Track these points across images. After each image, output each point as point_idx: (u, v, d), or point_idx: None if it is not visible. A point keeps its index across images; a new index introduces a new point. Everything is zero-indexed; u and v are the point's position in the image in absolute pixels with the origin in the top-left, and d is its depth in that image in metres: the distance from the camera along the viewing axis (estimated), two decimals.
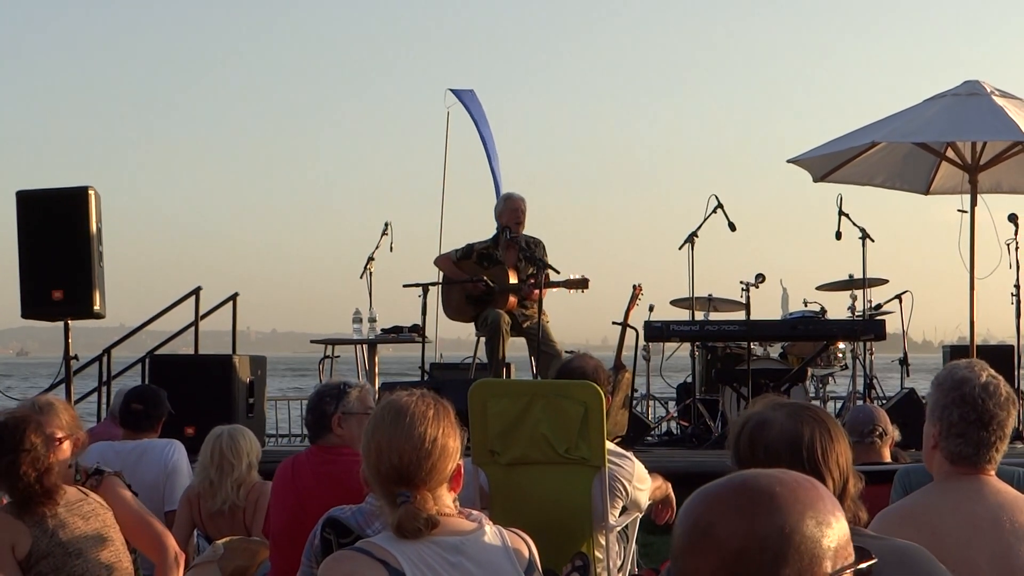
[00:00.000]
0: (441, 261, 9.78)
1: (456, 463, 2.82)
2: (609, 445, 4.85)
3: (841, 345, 10.57)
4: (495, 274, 9.38)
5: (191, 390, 8.74)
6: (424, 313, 9.58)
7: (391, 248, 10.28)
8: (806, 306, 10.89)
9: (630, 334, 9.64)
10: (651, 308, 10.95)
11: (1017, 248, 9.82)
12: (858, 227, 10.23)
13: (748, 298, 9.84)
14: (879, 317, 10.47)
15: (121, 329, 12.58)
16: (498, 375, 9.05)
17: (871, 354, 10.61)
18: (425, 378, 9.62)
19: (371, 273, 10.17)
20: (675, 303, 11.54)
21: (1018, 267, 9.82)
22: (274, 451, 9.36)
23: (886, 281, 11.04)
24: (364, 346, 10.05)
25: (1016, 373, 9.96)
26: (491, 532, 2.79)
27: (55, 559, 3.96)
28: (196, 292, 10.74)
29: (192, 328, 10.75)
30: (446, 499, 2.78)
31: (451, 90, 13.50)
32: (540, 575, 2.87)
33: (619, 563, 4.96)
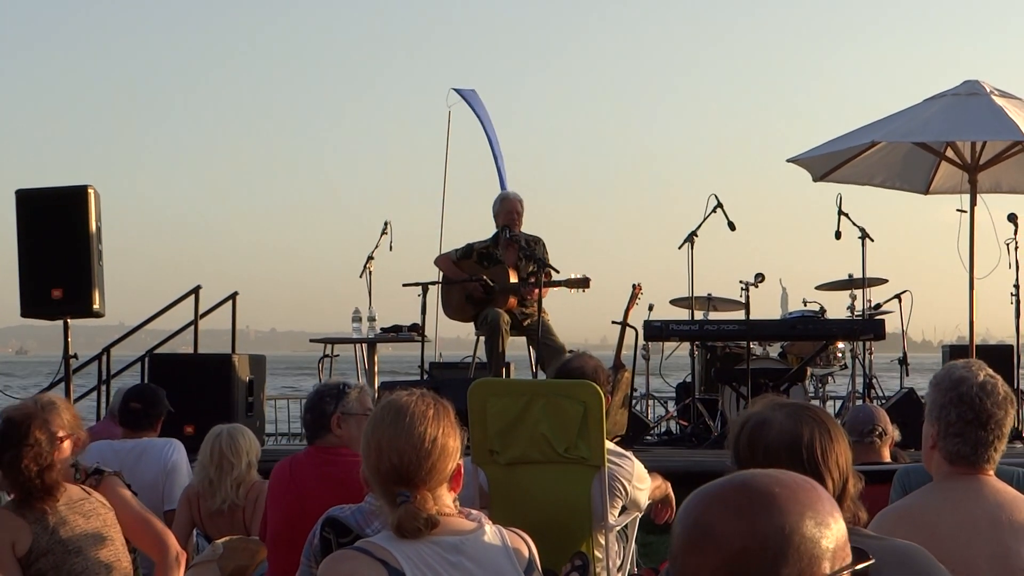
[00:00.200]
0: (441, 261, 9.78)
1: (456, 463, 2.82)
2: (609, 444, 4.85)
3: (840, 345, 10.57)
4: (495, 273, 9.38)
5: (190, 389, 8.74)
6: (424, 312, 9.59)
7: (391, 247, 10.29)
8: (805, 306, 10.89)
9: (629, 333, 9.64)
10: (651, 307, 10.97)
11: (1016, 248, 9.82)
12: (858, 227, 10.24)
13: (747, 297, 9.85)
14: (878, 317, 10.47)
15: (120, 328, 12.58)
16: (498, 374, 9.05)
17: (870, 354, 10.61)
18: (425, 377, 9.63)
19: (371, 272, 10.17)
20: (674, 302, 11.55)
21: (1017, 267, 9.83)
22: (273, 450, 9.36)
23: (885, 281, 11.04)
24: (363, 345, 10.05)
25: (1015, 373, 9.96)
26: (491, 532, 2.79)
27: (55, 556, 3.97)
28: (195, 291, 10.73)
29: (191, 327, 10.75)
30: (446, 499, 2.78)
31: (455, 89, 13.49)
32: (540, 574, 2.87)
33: (619, 563, 4.96)
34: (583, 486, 4.77)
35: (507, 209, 9.54)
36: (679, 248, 10.51)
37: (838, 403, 11.62)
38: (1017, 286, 9.87)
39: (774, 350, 11.27)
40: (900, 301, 10.91)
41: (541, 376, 8.89)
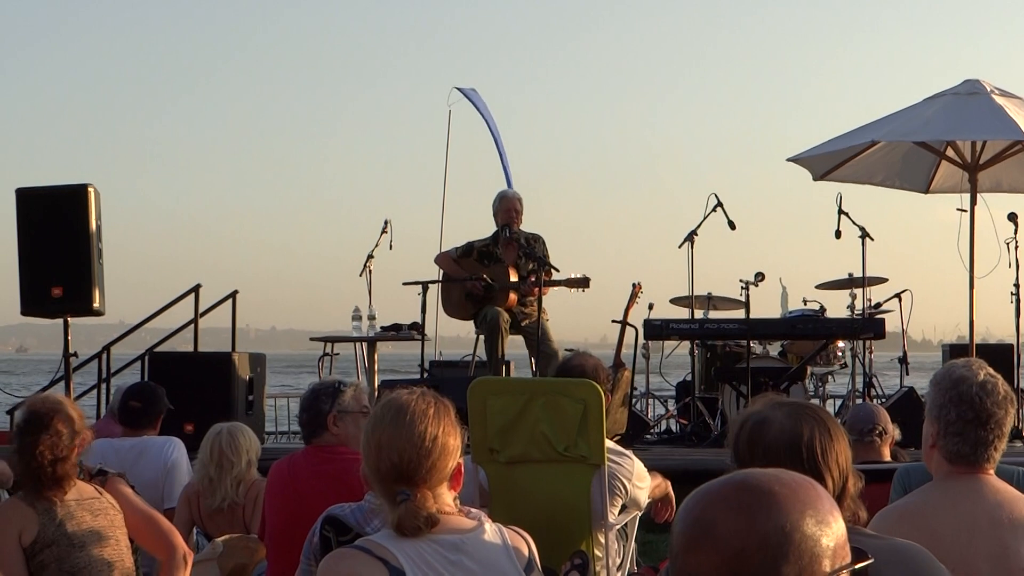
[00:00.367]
0: (441, 259, 9.79)
1: (456, 461, 2.82)
2: (608, 443, 4.85)
3: (840, 344, 10.57)
4: (495, 272, 9.38)
5: (190, 387, 8.74)
6: (424, 311, 9.59)
7: (391, 246, 10.28)
8: (805, 304, 10.89)
9: (629, 332, 9.64)
10: (651, 306, 10.96)
11: (1016, 247, 9.82)
12: (858, 226, 10.23)
13: (747, 296, 9.84)
14: (878, 316, 10.47)
15: (121, 326, 12.59)
16: (498, 373, 9.06)
17: (870, 353, 10.61)
18: (425, 376, 9.62)
19: (371, 271, 10.17)
20: (675, 301, 11.55)
21: (1017, 266, 9.83)
22: (273, 448, 9.36)
23: (885, 280, 11.04)
24: (364, 344, 10.05)
25: (1015, 372, 9.97)
26: (491, 530, 2.79)
27: (58, 548, 4.00)
28: (196, 289, 10.73)
29: (192, 325, 10.74)
30: (446, 497, 2.78)
31: (457, 88, 13.48)
32: (540, 573, 2.87)
33: (618, 561, 4.96)
34: (583, 485, 4.77)
35: (506, 208, 9.54)
36: (679, 247, 10.52)
37: (838, 402, 11.62)
38: (1017, 285, 9.87)
39: (774, 349, 11.27)
40: (900, 300, 10.90)
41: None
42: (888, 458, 5.25)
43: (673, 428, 11.17)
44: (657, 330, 9.90)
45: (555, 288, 9.32)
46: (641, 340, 10.15)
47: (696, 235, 10.45)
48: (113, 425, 6.48)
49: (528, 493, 4.83)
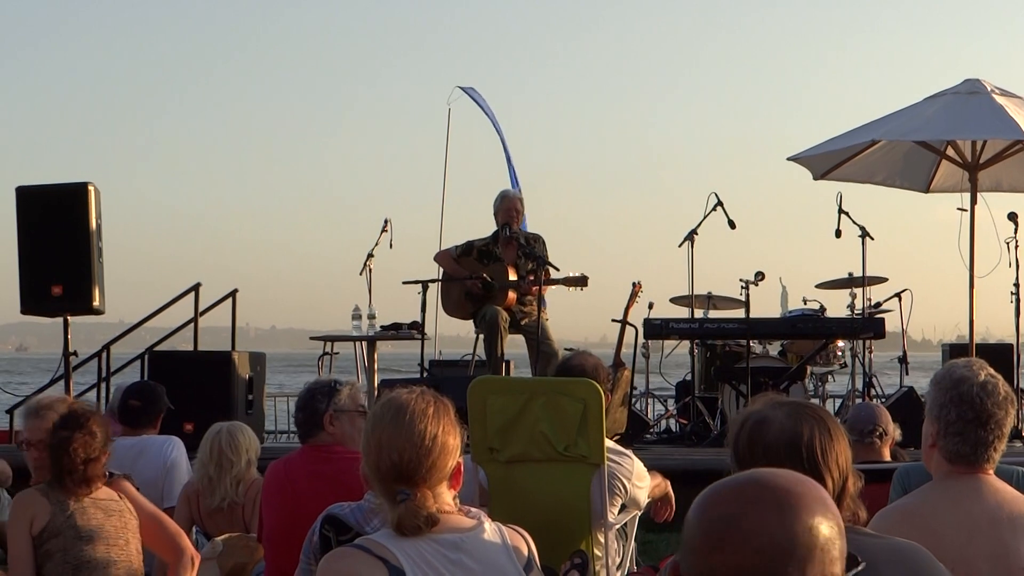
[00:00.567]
0: (441, 257, 9.79)
1: (456, 461, 2.82)
2: (608, 443, 4.85)
3: (840, 343, 10.57)
4: (495, 271, 9.38)
5: (190, 386, 8.74)
6: (424, 310, 9.58)
7: (391, 245, 10.27)
8: (805, 304, 10.89)
9: (629, 331, 9.64)
10: (650, 305, 10.96)
11: (1017, 246, 9.82)
12: (858, 225, 10.23)
13: (747, 296, 9.84)
14: (878, 315, 10.47)
15: (120, 325, 12.58)
16: (497, 372, 9.05)
17: (870, 352, 10.61)
18: (424, 375, 9.62)
19: (371, 270, 10.17)
20: (674, 300, 11.54)
21: (1018, 266, 9.83)
22: (273, 447, 9.36)
23: (885, 279, 11.04)
24: (363, 343, 10.04)
25: (1015, 372, 9.97)
26: (490, 529, 2.79)
27: (65, 539, 4.05)
28: (195, 288, 10.73)
29: (191, 324, 10.74)
30: (446, 497, 2.78)
31: (460, 87, 13.46)
32: (539, 572, 2.87)
33: (618, 561, 4.96)
34: (583, 484, 4.77)
35: (507, 207, 9.54)
36: (679, 246, 10.52)
37: (838, 402, 11.62)
38: (1017, 285, 9.87)
39: (774, 348, 11.27)
40: (900, 300, 10.90)
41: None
42: (888, 458, 5.25)
43: (673, 428, 11.17)
44: (657, 329, 9.90)
45: (553, 287, 9.32)
46: (641, 339, 10.15)
47: (696, 234, 10.45)
48: (113, 424, 6.46)
49: (528, 492, 4.83)
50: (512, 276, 9.36)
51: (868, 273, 10.42)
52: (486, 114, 13.46)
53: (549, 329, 9.38)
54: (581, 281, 9.17)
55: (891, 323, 10.26)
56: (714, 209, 10.41)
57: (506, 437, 4.86)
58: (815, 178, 10.63)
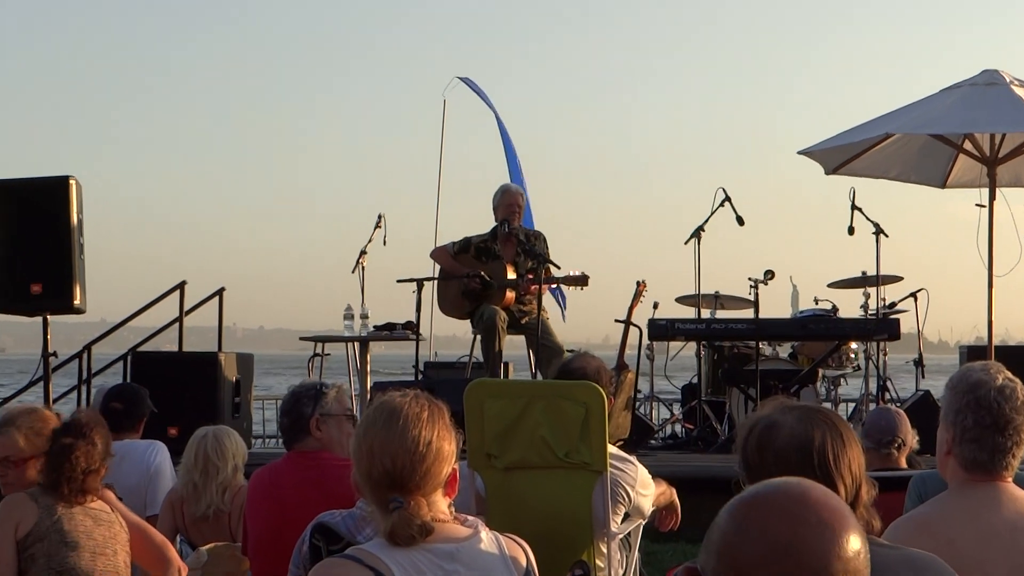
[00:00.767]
0: (438, 253, 9.79)
1: (451, 467, 2.81)
2: (611, 449, 4.85)
3: (853, 345, 10.58)
4: (493, 269, 9.38)
5: (175, 389, 8.76)
6: (418, 309, 9.58)
7: (384, 241, 10.27)
8: (817, 304, 10.90)
9: (633, 333, 9.65)
10: (655, 305, 10.95)
11: None
12: (872, 222, 10.24)
13: (757, 295, 9.85)
14: (893, 316, 10.48)
15: (102, 325, 12.58)
16: (495, 375, 9.06)
17: (884, 355, 10.63)
18: (419, 377, 9.63)
19: (363, 267, 10.17)
20: (680, 300, 11.55)
21: None
22: (260, 453, 9.38)
23: (901, 278, 11.05)
24: (355, 344, 10.05)
25: None
26: (487, 539, 2.79)
27: (49, 544, 4.07)
28: (181, 287, 10.74)
29: (176, 324, 10.76)
30: (441, 505, 2.78)
31: (459, 78, 13.45)
32: None
33: (621, 572, 4.97)
34: (584, 492, 4.77)
35: (507, 202, 9.54)
36: (685, 243, 10.53)
37: (851, 406, 11.63)
38: None
39: (784, 351, 11.28)
40: (916, 300, 10.91)
41: (540, 377, 8.89)
42: (904, 466, 5.25)
43: (678, 433, 11.19)
44: (662, 330, 9.90)
45: (553, 286, 9.33)
46: (645, 341, 10.17)
47: (703, 231, 10.45)
48: None
49: (527, 500, 4.83)
50: (511, 274, 9.36)
51: (882, 272, 10.42)
52: (488, 105, 13.44)
53: (551, 324, 9.38)
54: (582, 280, 9.17)
55: (906, 324, 10.28)
56: (722, 205, 10.42)
57: (504, 442, 4.86)
58: (827, 173, 10.63)
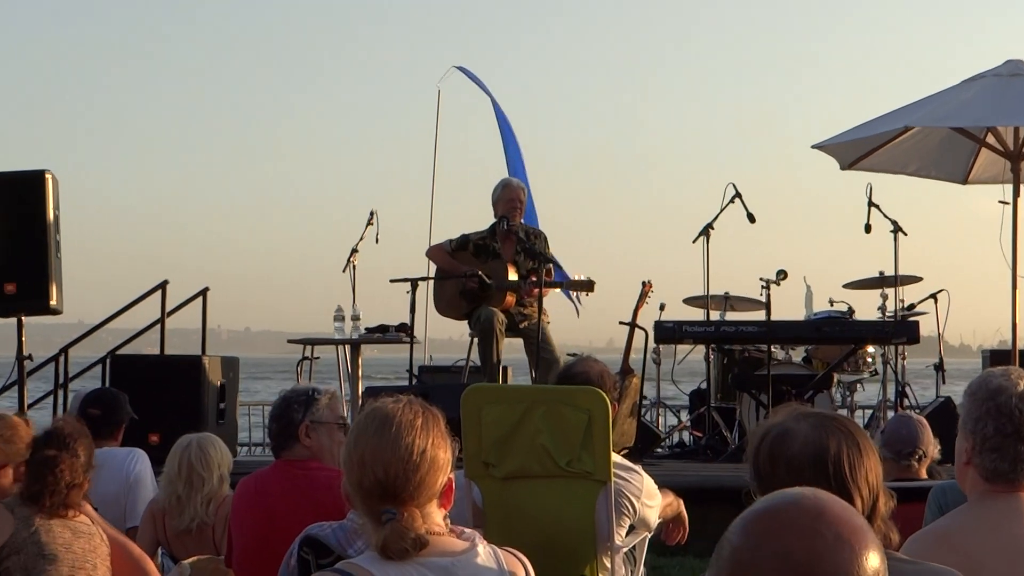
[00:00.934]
0: (434, 252, 9.78)
1: (447, 477, 2.82)
2: (615, 457, 4.85)
3: (870, 349, 10.59)
4: (493, 268, 9.37)
5: (156, 394, 8.76)
6: (413, 311, 9.59)
7: (377, 239, 10.29)
8: (832, 306, 10.91)
9: (639, 335, 9.64)
10: (662, 307, 10.97)
11: None
12: (890, 219, 10.26)
13: (768, 296, 9.86)
14: (912, 318, 10.49)
15: (80, 326, 12.59)
16: (493, 379, 9.06)
17: (903, 359, 10.63)
18: (413, 382, 9.64)
19: (355, 267, 10.17)
20: (688, 301, 11.56)
21: None
22: (246, 461, 9.38)
23: (920, 279, 11.06)
24: (346, 347, 10.05)
25: None
26: (485, 553, 2.79)
27: (26, 557, 4.06)
28: (162, 286, 10.73)
29: (158, 326, 10.76)
30: (436, 516, 2.78)
31: (457, 67, 13.44)
32: None
33: None
34: (587, 503, 4.77)
35: (508, 197, 9.53)
36: (693, 242, 10.54)
37: (867, 413, 11.63)
38: None
39: (797, 354, 11.29)
40: (936, 301, 10.92)
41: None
42: (924, 476, 5.24)
43: (686, 441, 11.20)
44: (669, 333, 9.90)
45: (557, 290, 9.34)
46: (651, 344, 10.15)
47: (712, 228, 10.46)
48: None
49: (526, 512, 4.83)
50: (512, 275, 9.34)
51: (901, 272, 10.44)
52: (486, 93, 13.42)
53: (550, 333, 9.37)
54: (587, 286, 9.17)
55: (926, 327, 10.29)
56: (732, 201, 10.43)
57: (503, 451, 4.86)
58: (842, 168, 10.64)
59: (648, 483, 4.94)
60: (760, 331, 9.84)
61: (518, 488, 4.86)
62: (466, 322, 9.53)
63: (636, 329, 9.63)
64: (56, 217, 8.09)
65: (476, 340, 9.37)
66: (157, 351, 10.64)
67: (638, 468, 4.99)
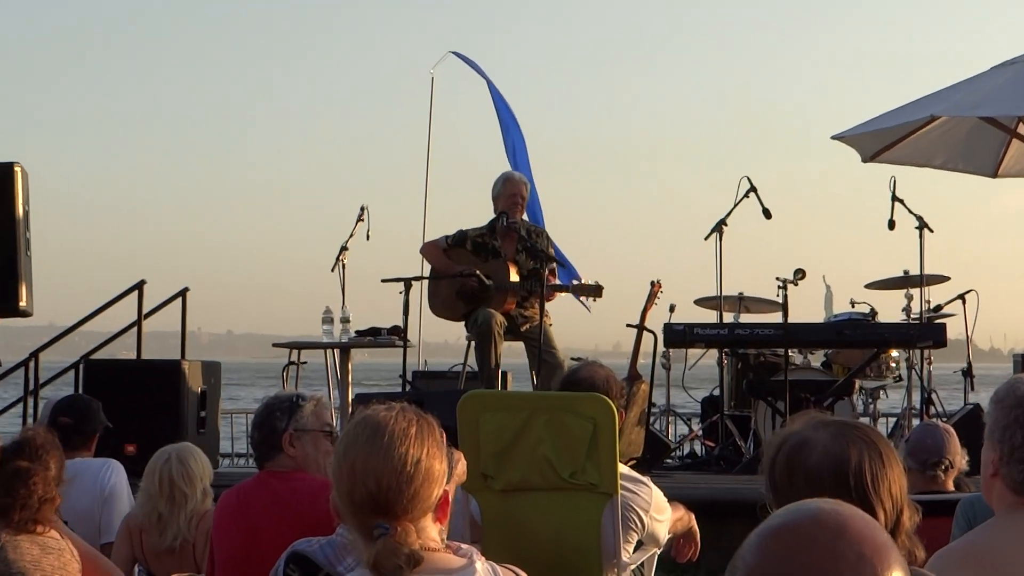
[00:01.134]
0: (428, 250, 9.77)
1: (442, 489, 2.82)
2: (622, 468, 4.85)
3: (894, 353, 10.59)
4: (493, 268, 9.36)
5: (132, 401, 8.77)
6: (406, 313, 9.57)
7: (368, 236, 10.28)
8: (853, 307, 10.91)
9: (647, 339, 9.65)
10: (672, 308, 10.95)
11: None
12: (915, 215, 10.25)
13: (785, 297, 9.85)
14: (939, 320, 10.48)
15: (51, 329, 12.59)
16: (492, 385, 9.06)
17: (929, 364, 10.62)
18: (406, 388, 9.63)
19: (344, 265, 10.17)
20: (700, 303, 11.56)
21: None
22: (228, 473, 9.38)
23: (947, 278, 11.06)
24: (335, 351, 10.05)
25: None
26: (483, 569, 2.80)
27: None
28: (139, 287, 10.73)
29: (134, 329, 10.76)
30: (431, 531, 2.78)
31: (454, 53, 13.43)
32: None
33: None
34: (592, 517, 4.77)
35: (509, 192, 9.53)
36: (705, 239, 10.53)
37: (891, 421, 11.63)
38: None
39: (816, 359, 11.29)
40: (964, 302, 10.92)
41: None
42: (951, 488, 5.24)
43: (698, 451, 11.19)
44: (680, 336, 9.90)
45: (563, 294, 9.33)
46: (661, 348, 10.16)
47: (725, 225, 10.46)
48: None
49: (527, 526, 4.83)
50: (514, 275, 9.33)
51: (927, 271, 10.43)
52: (485, 80, 13.40)
53: (553, 336, 9.37)
54: (595, 290, 9.17)
55: (953, 329, 10.29)
56: (746, 196, 10.43)
57: (502, 462, 4.86)
58: (864, 160, 10.65)
59: (657, 496, 4.94)
60: (777, 334, 9.84)
61: (518, 501, 4.87)
62: (463, 324, 9.52)
63: (644, 332, 9.63)
64: (26, 213, 8.08)
65: (473, 343, 9.36)
66: (133, 355, 10.63)
67: (646, 480, 4.99)
